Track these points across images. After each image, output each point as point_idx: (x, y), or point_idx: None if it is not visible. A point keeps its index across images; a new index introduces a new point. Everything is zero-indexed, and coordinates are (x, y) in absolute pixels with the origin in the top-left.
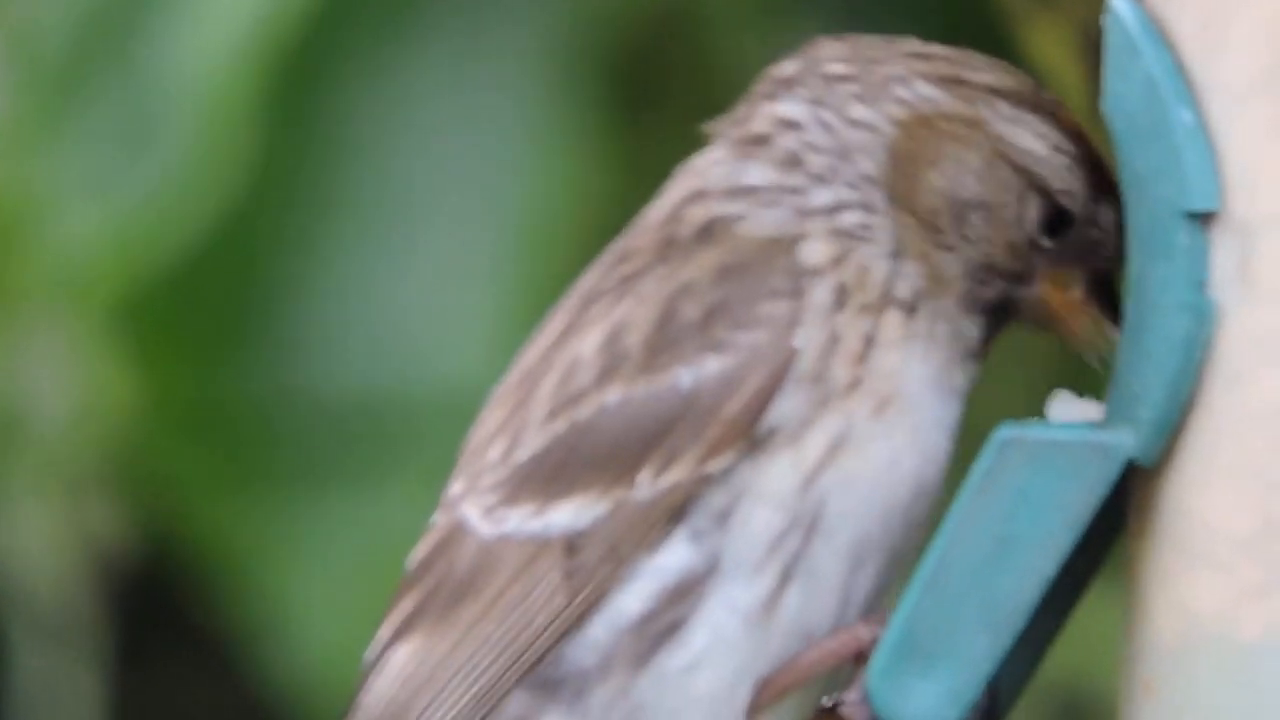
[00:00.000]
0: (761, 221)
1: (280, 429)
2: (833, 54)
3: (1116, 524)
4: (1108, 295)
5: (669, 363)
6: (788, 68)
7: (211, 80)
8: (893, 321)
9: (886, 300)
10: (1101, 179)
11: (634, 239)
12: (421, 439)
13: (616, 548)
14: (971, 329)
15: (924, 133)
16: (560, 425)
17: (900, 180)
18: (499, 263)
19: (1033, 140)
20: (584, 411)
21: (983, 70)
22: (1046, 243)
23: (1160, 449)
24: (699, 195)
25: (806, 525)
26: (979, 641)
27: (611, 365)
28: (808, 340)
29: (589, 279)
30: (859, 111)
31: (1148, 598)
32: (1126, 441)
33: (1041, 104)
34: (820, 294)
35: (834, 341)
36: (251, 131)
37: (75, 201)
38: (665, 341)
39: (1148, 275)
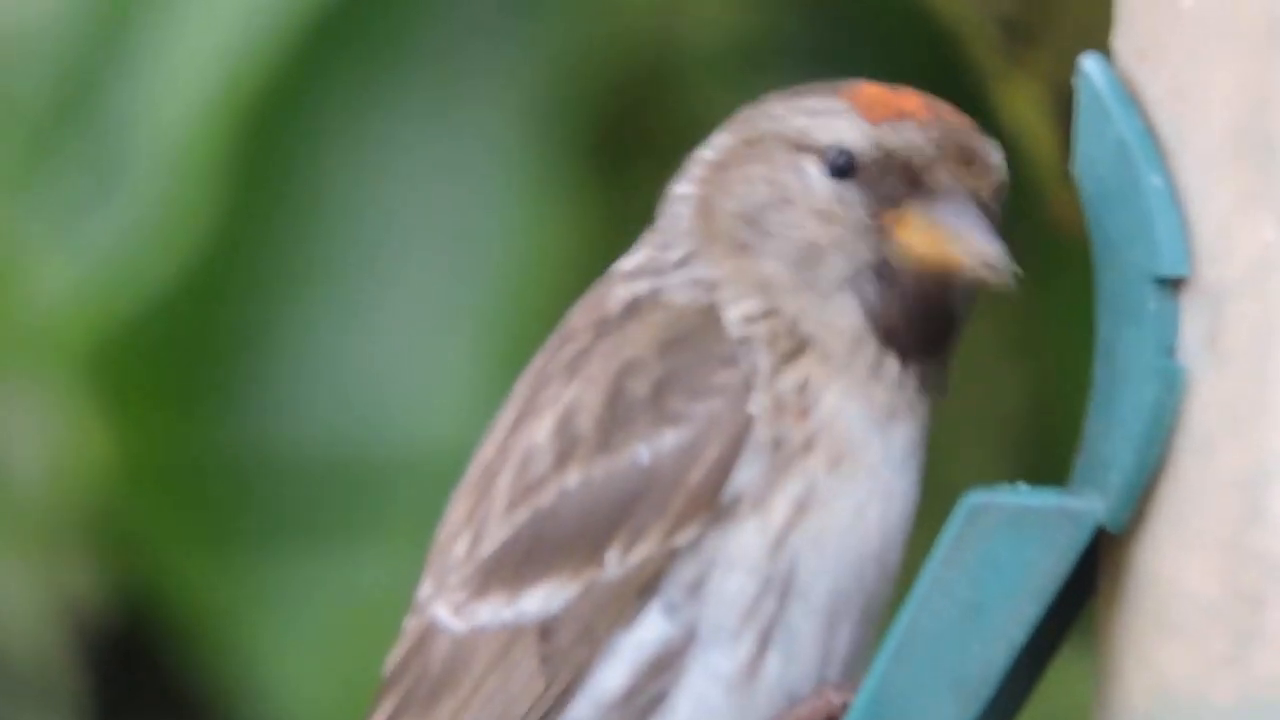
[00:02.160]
0: (673, 294)
1: (255, 486)
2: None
3: (1086, 590)
4: (955, 210)
5: (625, 440)
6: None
7: (181, 132)
8: (811, 362)
9: (795, 340)
10: (892, 108)
11: (572, 321)
12: (397, 496)
13: (591, 628)
14: (847, 314)
15: (719, 175)
16: (522, 514)
17: (702, 220)
18: (475, 319)
19: (800, 117)
20: (545, 498)
21: (776, 102)
22: (847, 191)
23: (1129, 515)
24: (617, 276)
25: (780, 588)
26: (948, 708)
27: (566, 449)
28: (760, 405)
29: (536, 364)
30: (678, 188)
31: (1118, 663)
32: (1096, 507)
33: (822, 89)
34: (759, 358)
35: (779, 402)
36: (221, 183)
37: (46, 256)
38: (618, 420)
39: (1117, 340)
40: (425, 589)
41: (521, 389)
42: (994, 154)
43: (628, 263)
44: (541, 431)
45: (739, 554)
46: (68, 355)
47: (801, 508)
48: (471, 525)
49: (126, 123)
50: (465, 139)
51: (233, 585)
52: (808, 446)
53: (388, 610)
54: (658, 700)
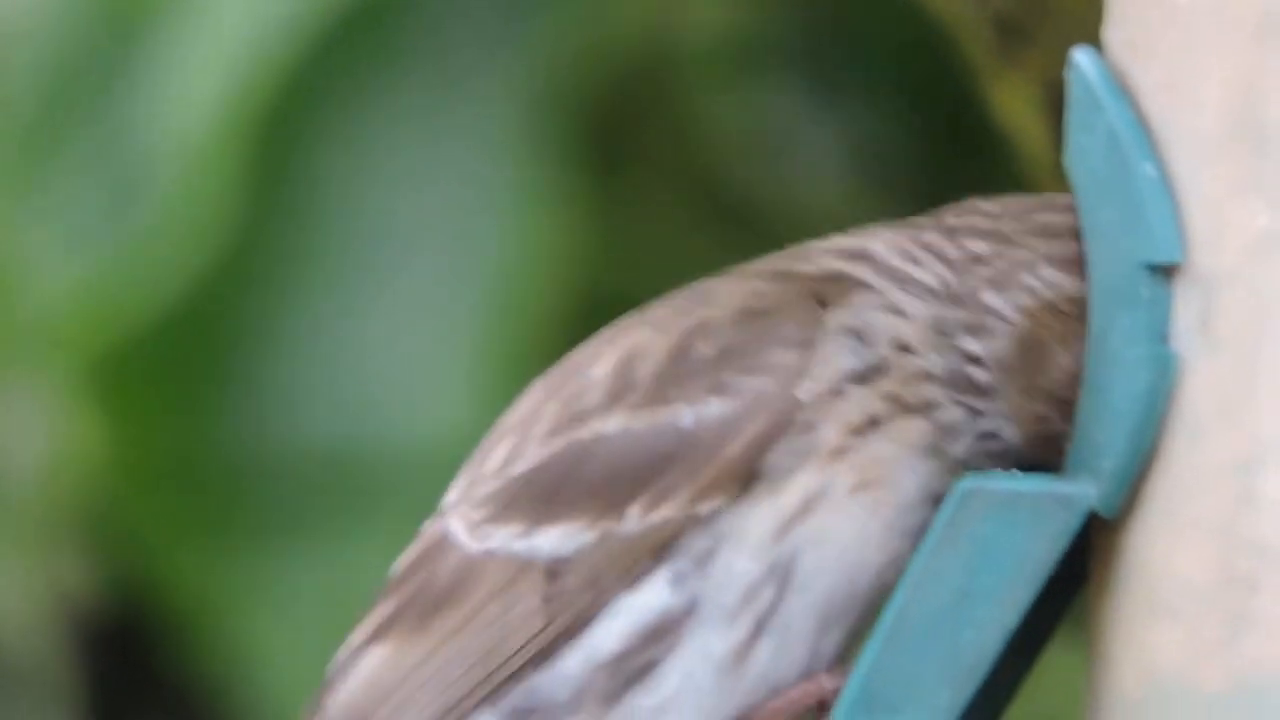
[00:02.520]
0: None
1: (252, 482)
2: (976, 228)
3: (1078, 575)
4: None
5: (674, 398)
6: (952, 218)
7: (193, 136)
8: (914, 427)
9: (924, 409)
10: None
11: (762, 262)
12: (393, 492)
13: (598, 579)
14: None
15: (1050, 318)
16: (559, 444)
17: (1026, 363)
18: (471, 319)
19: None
20: (584, 434)
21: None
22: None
23: (1122, 500)
24: (861, 254)
25: (780, 577)
26: (941, 693)
27: (619, 391)
28: (811, 393)
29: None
30: (990, 298)
31: (1110, 649)
32: (1088, 492)
33: None
34: (843, 356)
35: (837, 402)
36: (233, 189)
37: (49, 255)
38: (675, 376)
39: (1110, 327)
40: (454, 491)
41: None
42: None
43: (887, 251)
44: (601, 367)
45: (747, 533)
46: (64, 351)
47: (811, 502)
48: (514, 436)
49: (138, 125)
50: (460, 140)
51: (229, 580)
52: (838, 453)
53: None
54: (648, 668)
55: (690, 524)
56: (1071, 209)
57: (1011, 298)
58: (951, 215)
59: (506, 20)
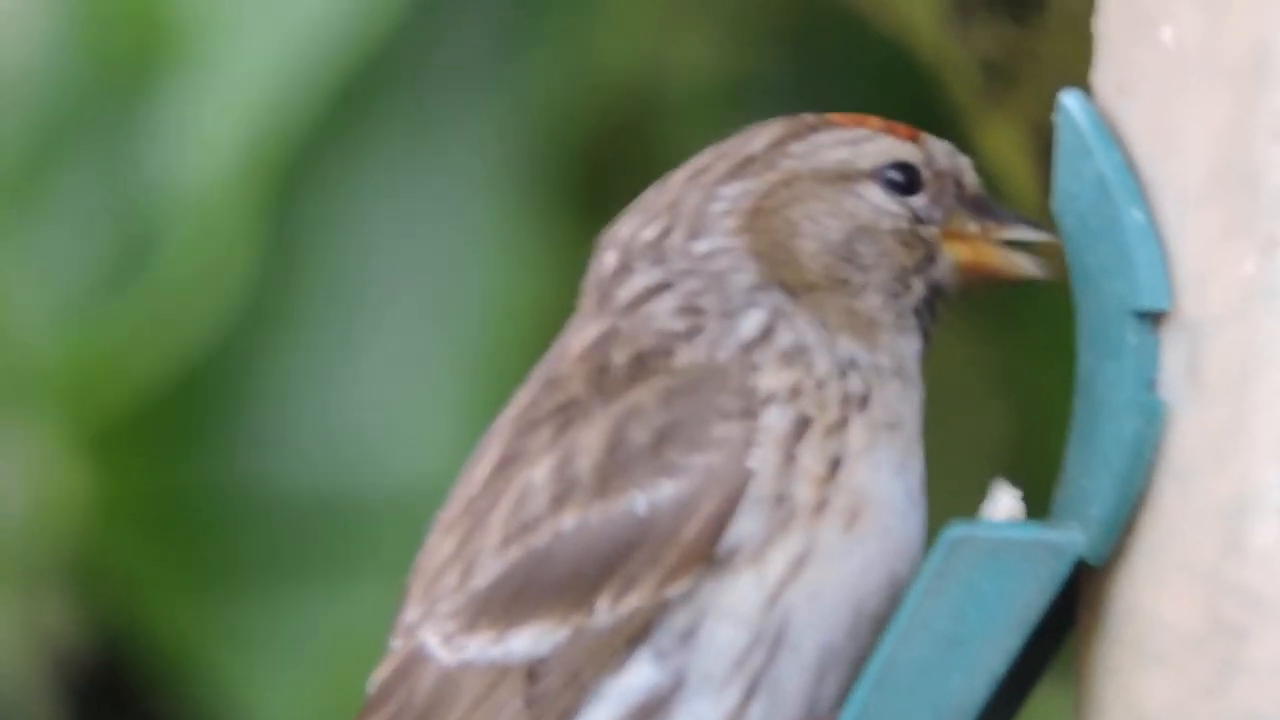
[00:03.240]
0: (695, 352)
1: (237, 525)
2: (633, 226)
3: (1066, 621)
4: (989, 209)
5: (623, 487)
6: (608, 262)
7: (201, 190)
8: (856, 431)
9: (846, 410)
10: (903, 128)
11: (558, 367)
12: (379, 536)
13: (578, 674)
14: (914, 344)
15: (763, 220)
16: (516, 552)
17: (783, 270)
18: (458, 363)
19: (832, 149)
20: (540, 538)
21: (754, 137)
22: (919, 204)
23: (1110, 547)
24: (615, 334)
25: (771, 640)
26: None
27: (564, 491)
28: (763, 461)
29: (518, 406)
30: (701, 246)
31: (1098, 695)
32: (1076, 540)
33: (816, 122)
34: (776, 420)
35: (793, 465)
36: (245, 244)
37: (41, 303)
38: (617, 466)
39: (1098, 373)
40: (411, 613)
41: (503, 430)
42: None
43: (630, 324)
44: (539, 472)
45: (732, 605)
46: (53, 397)
47: (799, 564)
48: (462, 557)
49: (147, 179)
50: (447, 187)
51: (213, 623)
52: (820, 508)
53: (368, 649)
54: None
55: (663, 607)
56: (715, 147)
57: (716, 229)
58: (601, 253)
59: (494, 64)
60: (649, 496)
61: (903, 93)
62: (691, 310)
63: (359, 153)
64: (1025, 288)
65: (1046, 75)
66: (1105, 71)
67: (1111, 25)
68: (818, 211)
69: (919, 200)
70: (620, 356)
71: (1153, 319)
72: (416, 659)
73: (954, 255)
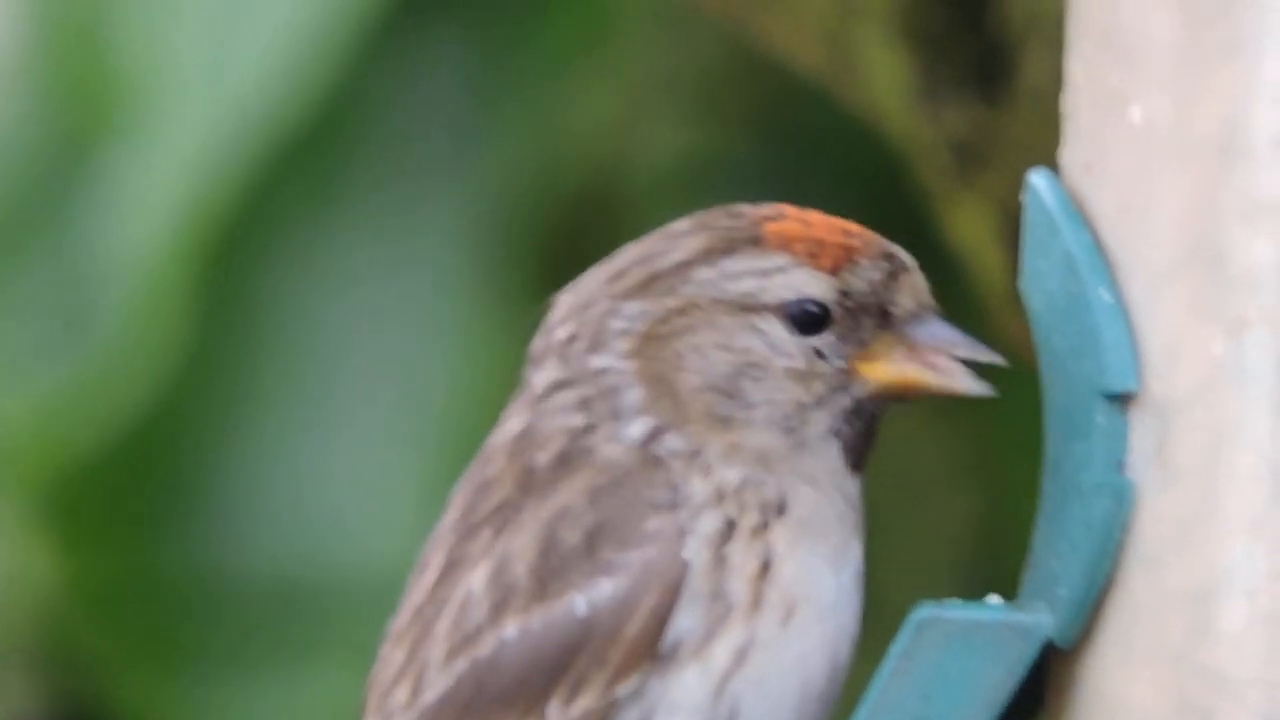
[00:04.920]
0: (614, 449)
1: (205, 607)
2: (557, 315)
3: (1034, 704)
4: (931, 327)
5: (561, 589)
6: (535, 346)
7: (143, 259)
8: (779, 533)
9: (766, 515)
10: (838, 249)
11: (487, 468)
12: (347, 618)
13: None
14: (830, 457)
15: (653, 347)
16: (461, 664)
17: (663, 398)
18: (423, 444)
19: (738, 279)
20: (483, 648)
21: (671, 250)
22: (823, 342)
23: (1078, 630)
24: (533, 432)
25: None
26: None
27: (502, 599)
28: (696, 553)
29: (457, 509)
30: (596, 361)
31: None
32: (1044, 622)
33: (735, 236)
34: (705, 521)
35: (724, 564)
36: (184, 312)
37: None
38: (552, 569)
39: (1066, 455)
40: None
41: (445, 536)
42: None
43: (547, 422)
44: (477, 581)
45: (680, 699)
46: (15, 473)
47: (742, 656)
48: (411, 671)
49: (87, 248)
50: (410, 267)
51: (179, 704)
52: (756, 603)
53: None
54: None
55: (614, 706)
56: (643, 244)
57: (611, 349)
58: (532, 338)
59: (457, 146)
60: (588, 597)
61: (871, 173)
62: (587, 408)
63: (325, 233)
64: (992, 371)
65: (1016, 156)
66: (1073, 150)
67: (1080, 104)
68: (707, 344)
69: (824, 338)
70: (543, 456)
71: (1121, 400)
72: None
73: (874, 379)
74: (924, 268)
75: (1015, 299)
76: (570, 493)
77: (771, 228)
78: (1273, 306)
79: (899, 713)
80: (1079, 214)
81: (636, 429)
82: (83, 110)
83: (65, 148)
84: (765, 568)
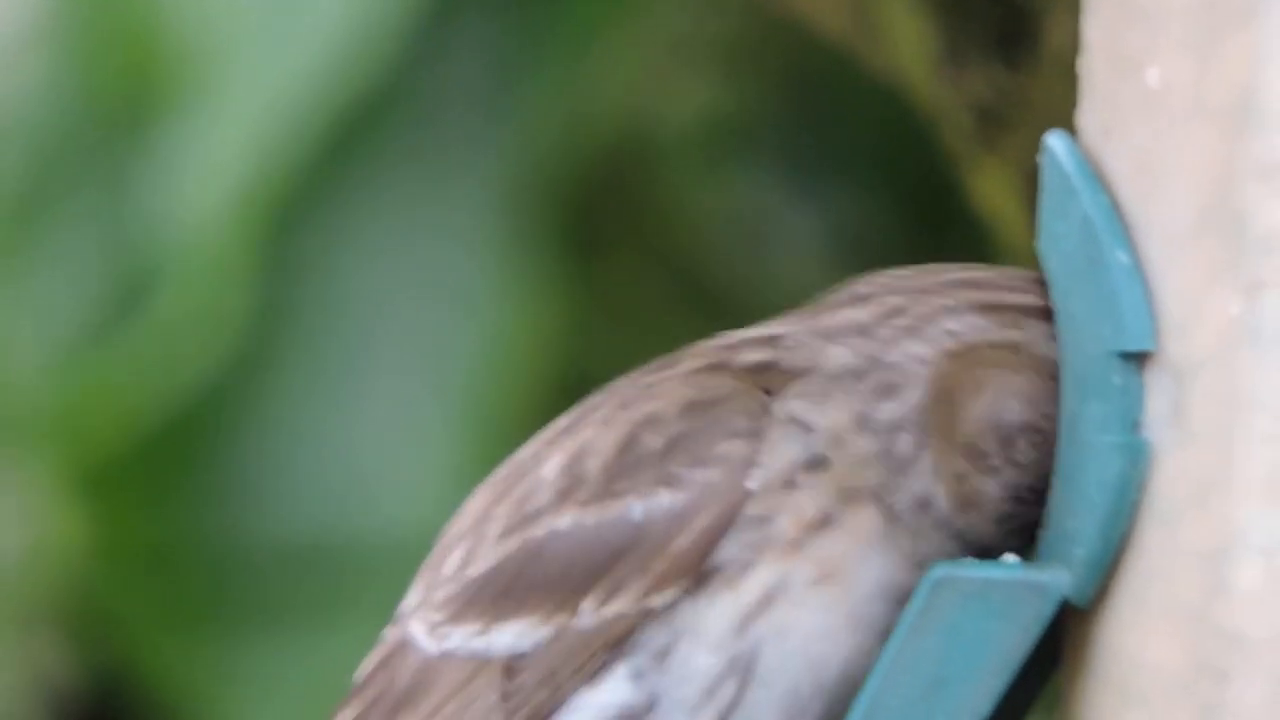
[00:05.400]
0: (824, 399)
1: (233, 570)
2: (891, 287)
3: (1051, 663)
4: None
5: (624, 491)
6: (863, 287)
7: (197, 233)
8: (865, 517)
9: (871, 497)
10: None
11: (684, 357)
12: (373, 581)
13: (554, 674)
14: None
15: (966, 362)
16: (513, 544)
17: (940, 409)
18: (451, 407)
19: (1049, 343)
20: (536, 532)
21: (1018, 291)
22: None
23: (1094, 588)
24: (773, 340)
25: (742, 672)
26: None
27: (569, 488)
28: (761, 482)
29: (621, 384)
30: (905, 347)
31: None
32: (1061, 580)
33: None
34: (791, 446)
35: (790, 494)
36: (234, 287)
37: (35, 345)
38: (623, 469)
39: (1082, 415)
40: (412, 598)
41: (587, 405)
42: None
43: (795, 341)
44: (552, 465)
45: (707, 628)
46: (44, 435)
47: (772, 595)
48: (469, 540)
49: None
50: (439, 229)
51: (208, 668)
52: (794, 546)
53: None
54: None
55: (644, 618)
56: (991, 269)
57: (926, 343)
58: (862, 285)
59: (485, 115)
60: (645, 504)
61: (894, 136)
62: (860, 369)
63: (352, 194)
64: None
65: (1039, 119)
66: (1090, 113)
67: (1096, 67)
68: (1014, 387)
69: None
70: (750, 356)
71: (1138, 360)
72: (402, 647)
73: None
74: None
75: (1038, 260)
76: (667, 399)
77: None
78: None
79: (915, 672)
80: (1096, 176)
81: (889, 410)
82: (141, 78)
83: (123, 116)
84: (823, 523)
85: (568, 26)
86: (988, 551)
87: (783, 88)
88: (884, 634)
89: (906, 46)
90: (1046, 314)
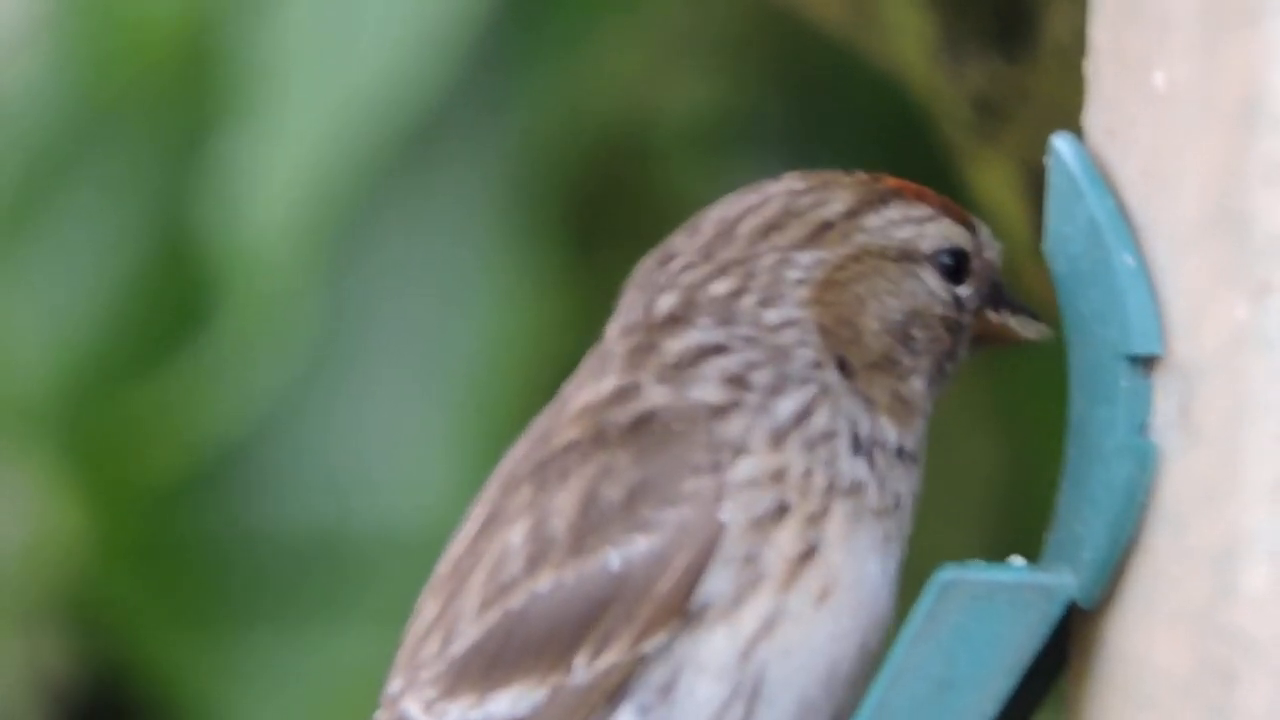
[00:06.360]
0: (726, 427)
1: (235, 565)
2: (696, 275)
3: (1058, 664)
4: (1003, 296)
5: (597, 545)
6: (662, 305)
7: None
8: (836, 521)
9: (829, 501)
10: (957, 210)
11: (556, 422)
12: (376, 576)
13: None
14: (925, 422)
15: (833, 293)
16: (493, 616)
17: (846, 347)
18: (454, 402)
19: (899, 227)
20: (516, 601)
21: (826, 200)
22: (964, 292)
23: (1101, 591)
24: (632, 392)
25: (748, 694)
26: None
27: (539, 552)
28: (733, 516)
29: (509, 463)
30: (772, 315)
31: None
32: (1068, 583)
33: (879, 188)
34: (757, 499)
35: (766, 536)
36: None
37: (35, 335)
38: (590, 525)
39: (1089, 418)
40: (395, 684)
41: (492, 489)
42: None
43: (661, 390)
44: (516, 534)
45: (708, 659)
46: (48, 431)
47: (770, 625)
48: (443, 623)
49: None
50: (440, 223)
51: (209, 663)
52: (790, 580)
53: (364, 690)
54: None
55: (639, 663)
56: (745, 198)
57: (787, 304)
58: (662, 296)
59: (484, 106)
60: (622, 553)
61: (895, 130)
62: (739, 383)
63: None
64: None
65: (1038, 112)
66: (1096, 114)
67: (1102, 68)
68: (881, 290)
69: (965, 288)
70: (623, 416)
71: (1145, 363)
72: None
73: (982, 328)
74: None
75: (1036, 252)
76: (618, 451)
77: (895, 184)
78: None
79: (923, 674)
80: (1102, 179)
81: (789, 405)
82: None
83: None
84: (810, 553)
85: (566, 20)
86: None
87: (781, 80)
88: (885, 611)
89: (905, 39)
90: (866, 204)
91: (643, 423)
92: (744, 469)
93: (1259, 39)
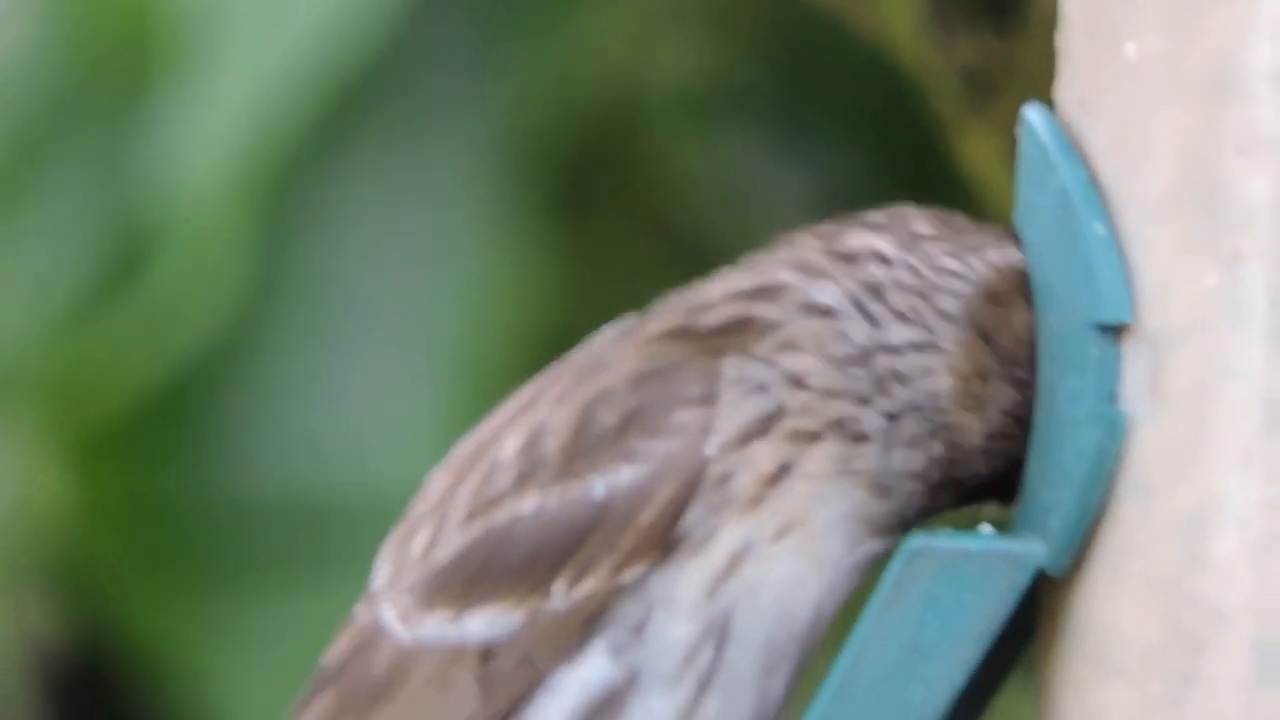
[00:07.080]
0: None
1: (220, 529)
2: (919, 216)
3: (1026, 632)
4: None
5: (584, 470)
6: (877, 216)
7: (192, 197)
8: (822, 455)
9: (831, 427)
10: None
11: (653, 316)
12: (360, 541)
13: (531, 657)
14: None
15: (991, 311)
16: (477, 529)
17: (990, 317)
18: (439, 366)
19: None
20: (500, 517)
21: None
22: None
23: (1070, 559)
24: (758, 292)
25: (717, 635)
26: None
27: (529, 471)
28: (718, 447)
29: (603, 341)
30: (949, 262)
31: (1058, 706)
32: (1036, 551)
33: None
34: (744, 405)
35: (745, 452)
36: (230, 250)
37: (21, 303)
38: (582, 448)
39: (1058, 386)
40: (382, 575)
41: (546, 379)
42: None
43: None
44: (510, 446)
45: (679, 596)
46: (33, 396)
47: (739, 556)
48: (433, 520)
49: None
50: (429, 189)
51: (195, 626)
52: (755, 502)
53: None
54: None
55: (616, 594)
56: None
57: (972, 262)
58: (878, 216)
59: (474, 71)
60: (607, 481)
61: (882, 99)
62: (874, 292)
63: (341, 157)
64: None
65: (1027, 85)
66: (1068, 85)
67: (1074, 39)
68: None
69: None
70: (713, 319)
71: (1114, 332)
72: (375, 634)
73: None
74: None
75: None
76: (618, 373)
77: None
78: (1267, 241)
79: (892, 642)
80: (1074, 149)
81: (901, 334)
82: (136, 42)
83: (118, 80)
84: (781, 473)
85: None
86: (944, 488)
87: (771, 50)
88: (852, 565)
89: (895, 10)
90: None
91: (733, 326)
92: (785, 364)
93: (1230, 9)
